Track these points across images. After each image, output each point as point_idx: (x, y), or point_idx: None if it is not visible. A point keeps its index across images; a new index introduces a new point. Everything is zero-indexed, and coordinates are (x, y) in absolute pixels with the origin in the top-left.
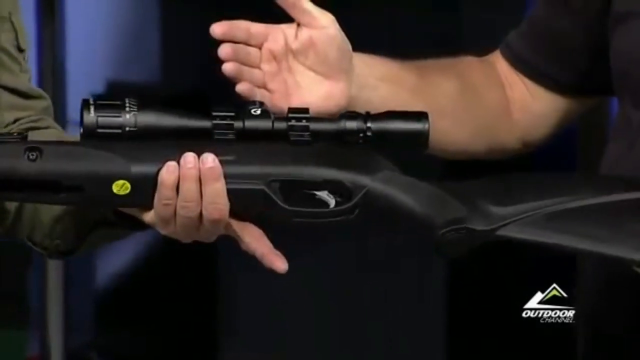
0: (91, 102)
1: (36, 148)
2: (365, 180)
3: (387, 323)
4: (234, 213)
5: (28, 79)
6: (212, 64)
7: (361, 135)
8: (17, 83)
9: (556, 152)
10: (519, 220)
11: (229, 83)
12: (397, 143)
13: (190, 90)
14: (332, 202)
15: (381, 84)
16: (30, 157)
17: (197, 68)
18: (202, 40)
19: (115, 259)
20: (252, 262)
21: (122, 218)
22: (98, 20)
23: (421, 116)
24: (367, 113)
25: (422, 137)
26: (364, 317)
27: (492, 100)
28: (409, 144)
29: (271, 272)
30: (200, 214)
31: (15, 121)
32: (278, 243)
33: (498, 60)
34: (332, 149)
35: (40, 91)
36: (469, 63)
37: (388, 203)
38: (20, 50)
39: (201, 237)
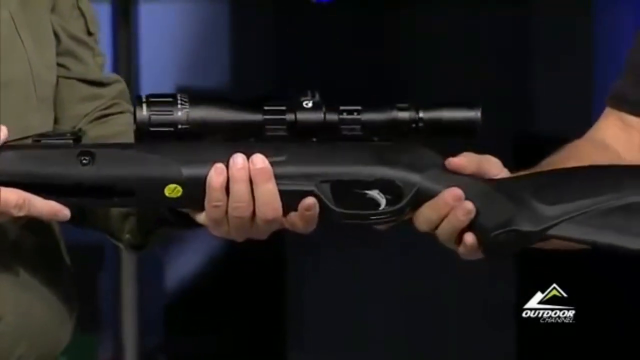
0: (144, 99)
1: (89, 152)
2: (416, 178)
3: (451, 323)
4: (285, 212)
5: (101, 64)
6: (281, 71)
7: (413, 125)
8: (88, 73)
9: None
10: (567, 220)
11: (298, 88)
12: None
13: (260, 96)
14: (382, 201)
15: None
16: (83, 161)
17: (266, 74)
18: (272, 46)
19: (186, 261)
20: (320, 263)
21: (178, 216)
22: (169, 29)
23: (473, 104)
24: (419, 102)
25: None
26: (430, 321)
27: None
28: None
29: (339, 274)
30: (253, 214)
31: (93, 111)
32: (345, 247)
33: (608, 119)
34: (381, 146)
35: (114, 76)
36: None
37: None
38: (90, 34)
39: (255, 235)
